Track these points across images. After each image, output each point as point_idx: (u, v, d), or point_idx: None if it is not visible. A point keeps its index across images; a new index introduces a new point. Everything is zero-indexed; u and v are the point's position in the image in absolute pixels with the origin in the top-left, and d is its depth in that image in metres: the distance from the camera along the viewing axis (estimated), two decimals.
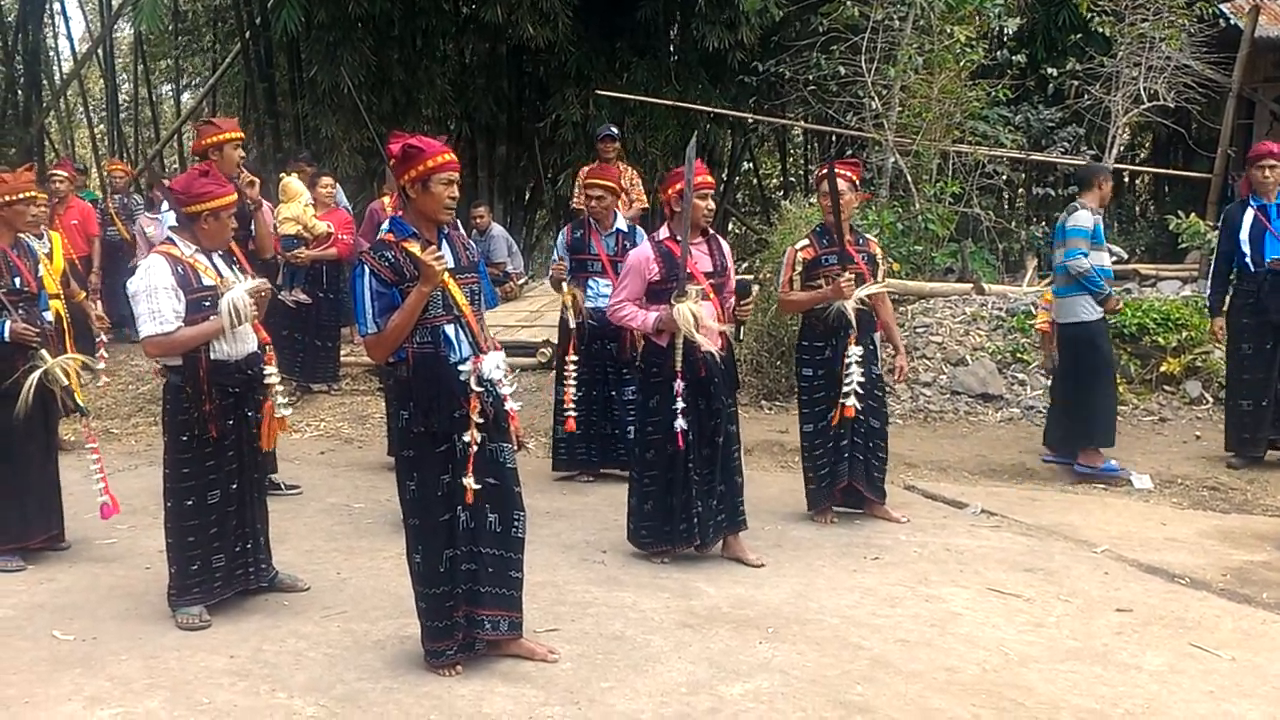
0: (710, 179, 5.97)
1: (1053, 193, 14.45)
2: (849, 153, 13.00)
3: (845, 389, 6.38)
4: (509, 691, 4.42)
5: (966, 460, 8.13)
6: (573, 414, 7.16)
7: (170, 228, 5.50)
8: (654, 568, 5.89)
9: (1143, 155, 18.61)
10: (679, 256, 5.73)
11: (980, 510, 6.99)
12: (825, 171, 6.57)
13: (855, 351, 6.38)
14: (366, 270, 4.44)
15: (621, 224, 7.80)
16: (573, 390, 7.34)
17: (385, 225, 4.68)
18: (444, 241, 4.57)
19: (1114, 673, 4.65)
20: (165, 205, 6.18)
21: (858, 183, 6.55)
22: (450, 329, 4.49)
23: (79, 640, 4.93)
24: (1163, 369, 8.68)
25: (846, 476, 6.55)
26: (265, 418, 5.25)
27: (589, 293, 7.65)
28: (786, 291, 6.62)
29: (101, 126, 24.28)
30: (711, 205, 5.92)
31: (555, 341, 8.85)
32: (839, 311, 6.36)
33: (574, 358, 7.27)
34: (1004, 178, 12.83)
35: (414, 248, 4.45)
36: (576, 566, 5.94)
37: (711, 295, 5.81)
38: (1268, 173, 7.72)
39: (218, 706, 4.29)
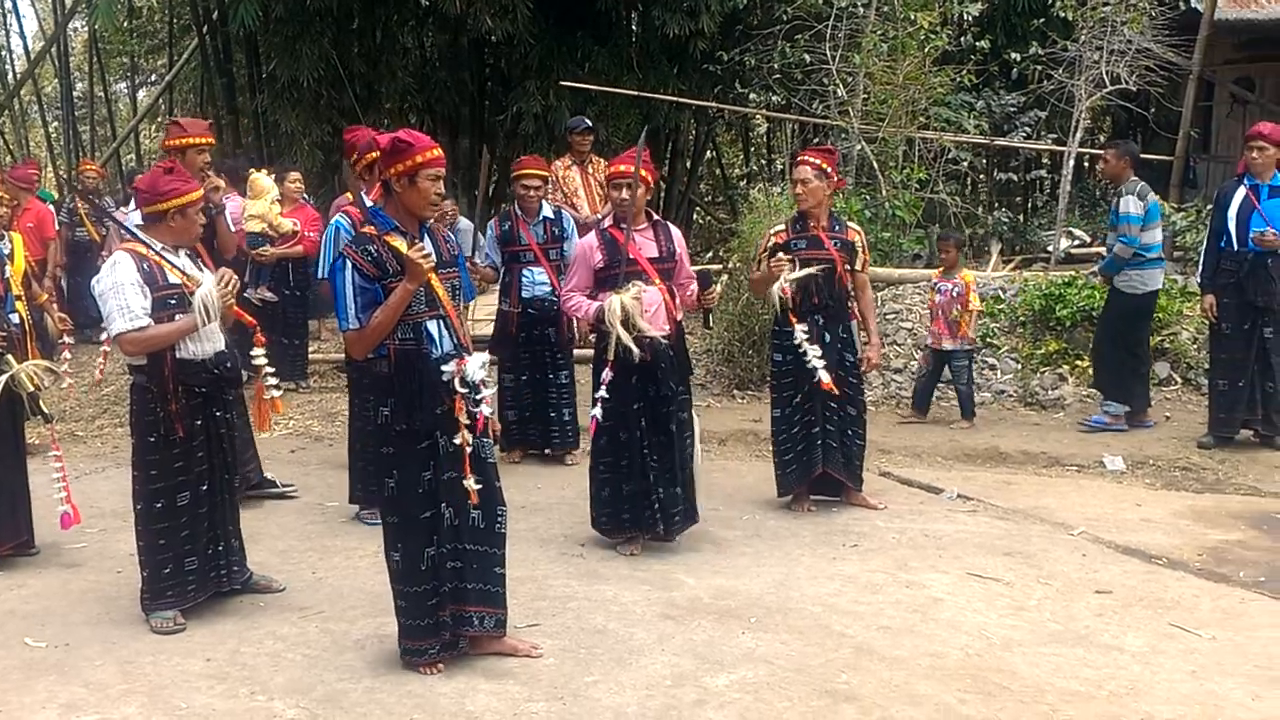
0: (628, 169, 5.89)
1: (1015, 178, 14.55)
2: (816, 140, 13.01)
3: (809, 365, 6.33)
4: (492, 688, 4.38)
5: (940, 445, 8.14)
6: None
7: (136, 225, 5.42)
8: (633, 560, 5.85)
9: (1102, 139, 18.72)
10: (623, 243, 5.78)
11: (956, 495, 7.00)
12: (797, 160, 6.61)
13: (800, 329, 6.37)
14: (349, 264, 4.39)
15: (548, 210, 7.88)
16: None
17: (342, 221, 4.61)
18: (426, 236, 4.52)
19: (1096, 654, 4.67)
20: (133, 204, 6.08)
21: (830, 170, 6.49)
22: (433, 325, 4.46)
23: (51, 647, 4.84)
24: (1136, 347, 8.68)
25: (820, 464, 6.52)
26: (256, 399, 5.21)
27: (524, 282, 7.73)
28: (752, 272, 6.75)
29: (56, 125, 23.96)
30: (625, 196, 5.88)
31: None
32: (777, 294, 6.34)
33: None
34: (967, 163, 12.88)
35: (397, 242, 4.40)
36: (555, 560, 5.90)
37: (658, 281, 5.80)
38: (1256, 153, 7.78)
39: (196, 710, 4.24)
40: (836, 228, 6.63)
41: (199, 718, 4.18)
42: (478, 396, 4.46)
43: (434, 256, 4.43)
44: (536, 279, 7.69)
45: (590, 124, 10.10)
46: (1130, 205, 8.04)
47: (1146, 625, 4.98)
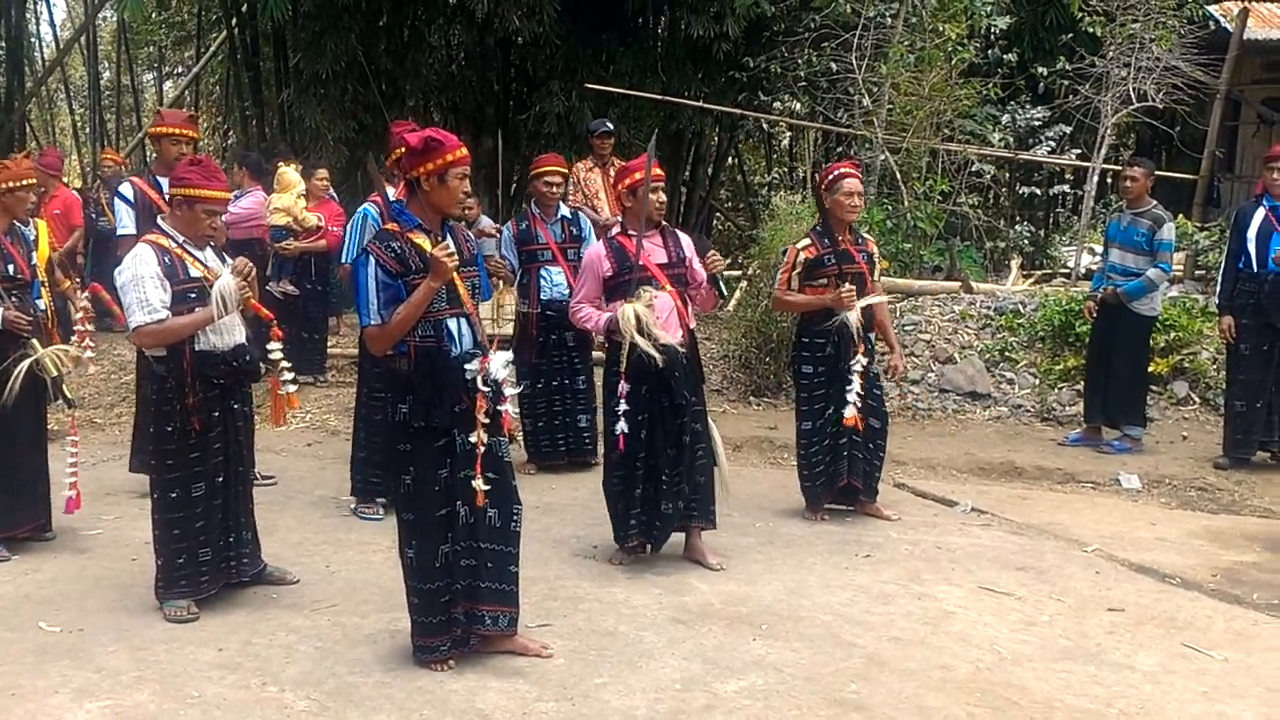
0: (660, 172, 5.88)
1: (1038, 191, 14.49)
2: (840, 150, 12.99)
3: (848, 398, 6.35)
4: (502, 687, 4.40)
5: (955, 458, 8.12)
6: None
7: (160, 216, 5.46)
8: (645, 563, 5.85)
9: (1126, 155, 18.67)
10: (631, 251, 5.69)
11: (970, 508, 6.98)
12: (835, 171, 6.52)
13: (861, 361, 6.37)
14: (372, 260, 4.40)
15: (565, 210, 7.82)
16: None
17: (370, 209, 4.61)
18: (448, 234, 4.54)
19: (1107, 672, 4.65)
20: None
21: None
22: (453, 323, 4.47)
23: (65, 631, 4.87)
24: (1150, 369, 8.69)
25: (846, 475, 6.50)
26: (272, 393, 5.23)
27: (542, 283, 7.64)
28: (784, 291, 6.54)
29: (82, 113, 24.09)
30: (663, 198, 5.86)
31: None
32: (841, 324, 6.32)
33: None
34: (990, 176, 12.85)
35: (421, 240, 4.42)
36: (567, 561, 5.91)
37: (668, 287, 5.74)
38: (1277, 175, 7.76)
39: (207, 699, 4.25)
40: (858, 240, 6.63)
41: (210, 707, 4.20)
42: (501, 395, 4.46)
43: (457, 255, 4.45)
44: (554, 280, 7.59)
45: (611, 127, 10.10)
46: (1169, 233, 8.07)
47: (1159, 645, 4.96)
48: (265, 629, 4.93)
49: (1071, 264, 12.40)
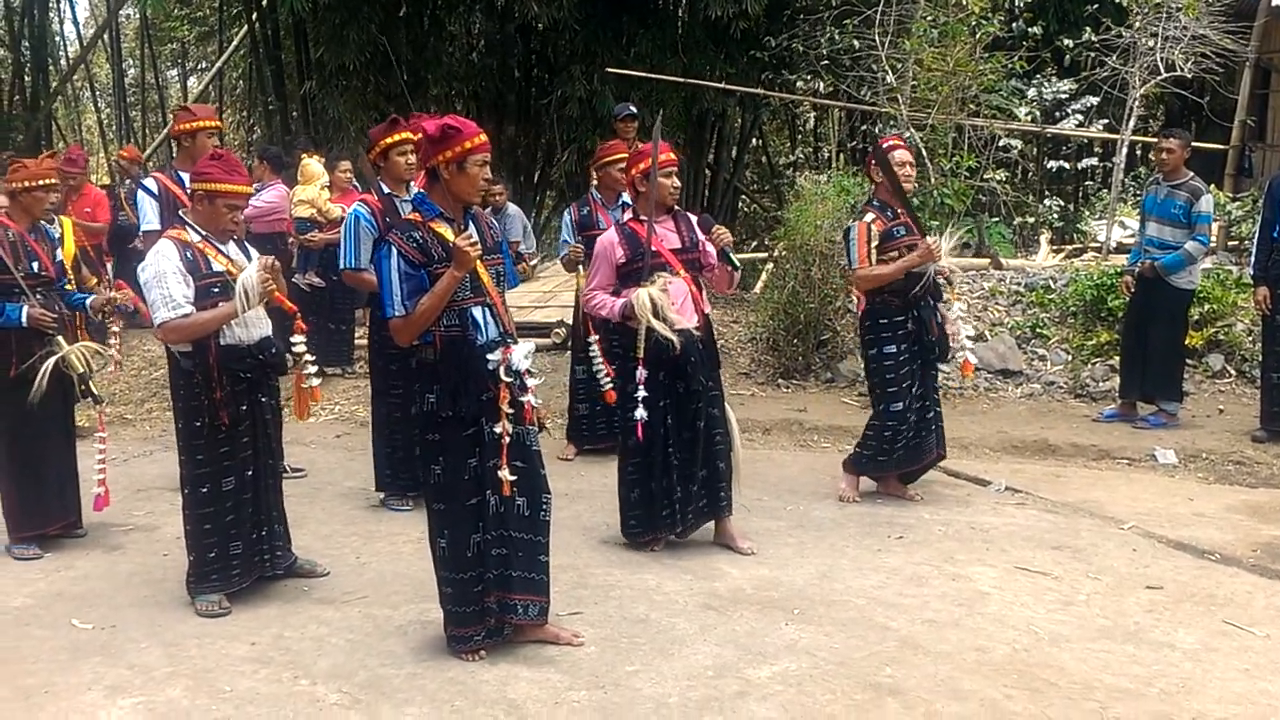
0: (673, 156, 5.81)
1: (1066, 165, 14.32)
2: (864, 128, 12.88)
3: (958, 346, 6.44)
4: (533, 676, 4.38)
5: (987, 437, 8.04)
6: (610, 385, 6.91)
7: (181, 211, 5.45)
8: (675, 549, 5.81)
9: (1155, 127, 18.43)
10: (644, 237, 5.62)
11: (1004, 487, 6.91)
12: (883, 147, 6.46)
13: (957, 307, 6.46)
14: (394, 251, 4.38)
15: (626, 197, 7.70)
16: (607, 365, 7.26)
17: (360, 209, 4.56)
18: (470, 222, 4.51)
19: (1147, 651, 4.58)
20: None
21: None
22: (478, 311, 4.44)
23: (98, 629, 4.88)
24: (1185, 342, 8.57)
25: (935, 448, 6.58)
26: (295, 387, 5.22)
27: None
28: (867, 266, 6.31)
29: (108, 111, 24.22)
30: (677, 183, 5.77)
31: (569, 322, 8.73)
32: (933, 275, 6.30)
33: (594, 337, 7.05)
34: (1018, 150, 12.70)
35: (443, 229, 4.39)
36: (597, 549, 5.88)
37: (683, 272, 5.67)
38: None
39: (240, 694, 4.25)
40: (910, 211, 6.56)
41: (242, 702, 4.19)
42: (524, 384, 4.44)
43: (480, 243, 4.41)
44: None
45: (635, 110, 10.02)
46: (1207, 205, 7.96)
47: (1198, 622, 4.89)
48: (296, 622, 4.93)
49: (1102, 238, 12.24)
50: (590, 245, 7.44)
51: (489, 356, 4.36)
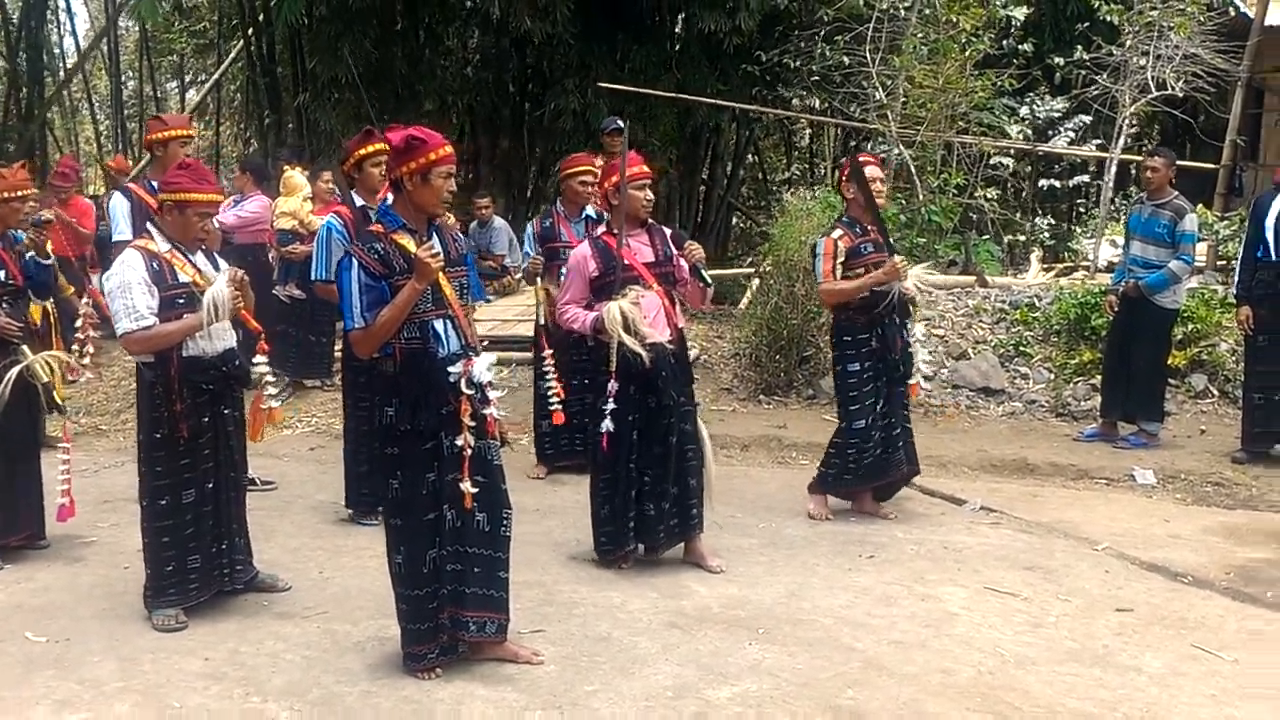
0: (647, 169, 5.77)
1: (1058, 184, 14.30)
2: (854, 144, 12.86)
3: (914, 367, 6.37)
4: (489, 695, 4.32)
5: (967, 455, 7.98)
6: (556, 407, 6.87)
7: (150, 221, 5.41)
8: (645, 566, 5.74)
9: (1149, 145, 18.40)
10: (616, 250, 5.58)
11: (979, 506, 6.86)
12: (853, 163, 6.43)
13: (919, 329, 6.38)
14: (355, 263, 4.33)
15: (590, 210, 7.67)
16: (558, 384, 7.18)
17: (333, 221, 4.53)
18: (434, 234, 4.47)
19: (1113, 675, 4.53)
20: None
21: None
22: (439, 324, 4.39)
23: (52, 642, 4.82)
24: (1168, 362, 8.52)
25: (905, 464, 6.51)
26: (253, 408, 5.14)
27: (562, 281, 7.46)
28: (831, 281, 6.31)
29: (106, 122, 24.24)
30: (650, 196, 5.73)
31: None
32: (899, 294, 6.26)
33: (547, 352, 6.98)
34: (1009, 169, 12.68)
35: (405, 241, 4.35)
36: (565, 565, 5.82)
37: (656, 286, 5.62)
38: None
39: (189, 711, 4.20)
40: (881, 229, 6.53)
41: (191, 719, 4.13)
42: (486, 397, 4.39)
43: (442, 255, 4.37)
44: None
45: (621, 124, 10.00)
46: (1191, 224, 7.92)
47: (1168, 646, 4.83)
48: (254, 637, 4.86)
49: (1091, 257, 12.20)
50: (551, 257, 7.44)
51: (450, 369, 4.31)
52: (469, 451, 4.32)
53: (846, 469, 6.47)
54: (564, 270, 7.36)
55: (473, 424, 4.33)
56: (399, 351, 4.36)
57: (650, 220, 5.80)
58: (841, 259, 6.29)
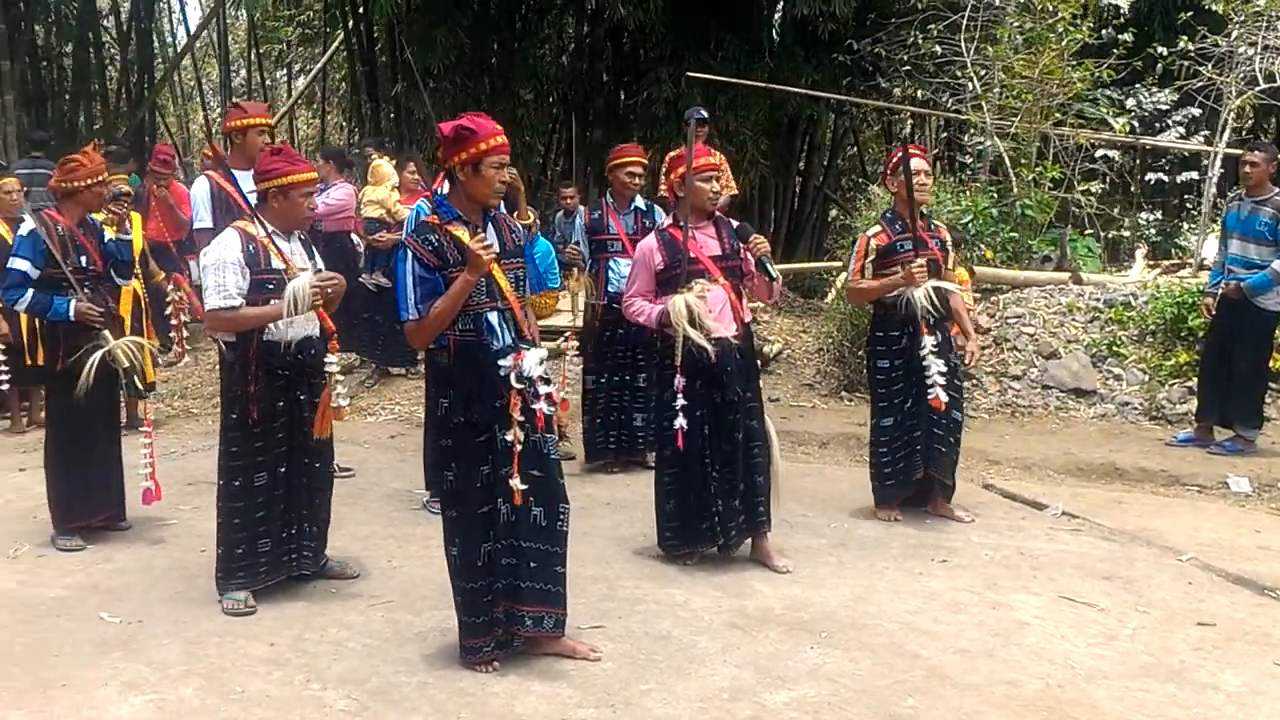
0: (714, 160, 5.70)
1: (1165, 178, 13.86)
2: (944, 134, 12.61)
3: (929, 380, 6.08)
4: (544, 690, 4.31)
5: (1053, 458, 7.77)
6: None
7: (228, 209, 5.51)
8: (710, 564, 5.69)
9: (1267, 139, 17.75)
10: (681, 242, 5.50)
11: (1061, 512, 6.67)
12: (899, 155, 6.30)
13: (929, 341, 6.11)
14: (409, 254, 4.34)
15: (640, 202, 7.62)
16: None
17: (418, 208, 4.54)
18: (489, 225, 4.46)
19: (1189, 692, 4.36)
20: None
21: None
22: (493, 316, 4.38)
23: (125, 623, 4.93)
24: (1270, 366, 8.20)
25: (923, 467, 6.30)
26: (321, 405, 5.16)
27: (610, 275, 7.47)
28: (856, 279, 6.36)
29: (219, 110, 24.85)
30: (717, 187, 5.65)
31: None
32: (908, 300, 6.11)
33: (572, 343, 6.89)
34: (1115, 162, 12.32)
35: (460, 232, 4.34)
36: (630, 560, 5.79)
37: (722, 280, 5.54)
38: None
39: (250, 695, 4.25)
40: (931, 227, 6.39)
41: (251, 703, 4.19)
42: (536, 391, 4.35)
43: (496, 247, 4.36)
44: (623, 272, 7.28)
45: (704, 114, 9.93)
46: None
47: (1248, 663, 4.64)
48: (319, 624, 4.92)
49: (1195, 254, 11.81)
50: (600, 249, 7.44)
51: (501, 362, 4.30)
52: (519, 447, 4.31)
53: (883, 474, 6.39)
54: (610, 263, 7.40)
55: (522, 419, 4.31)
56: (453, 343, 4.37)
57: (717, 213, 5.73)
58: (872, 257, 6.24)
